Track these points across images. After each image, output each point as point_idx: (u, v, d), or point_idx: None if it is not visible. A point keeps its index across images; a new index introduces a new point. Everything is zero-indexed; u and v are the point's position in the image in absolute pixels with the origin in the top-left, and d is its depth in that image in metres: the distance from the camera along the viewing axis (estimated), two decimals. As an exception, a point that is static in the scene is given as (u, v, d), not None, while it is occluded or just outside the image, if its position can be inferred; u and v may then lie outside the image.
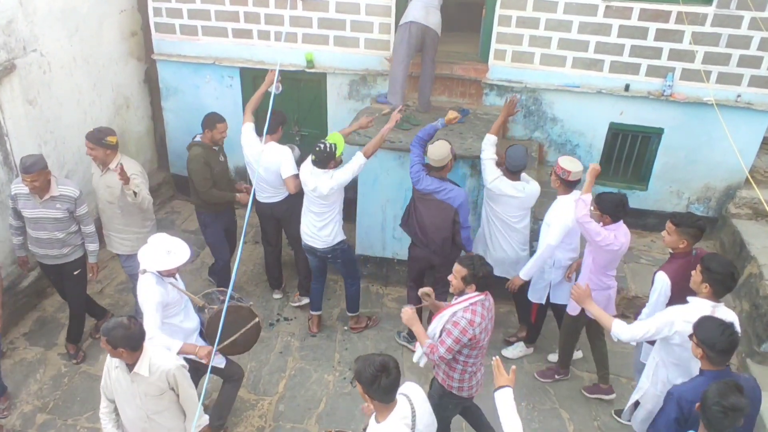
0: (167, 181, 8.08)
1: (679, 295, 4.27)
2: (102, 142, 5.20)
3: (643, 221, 7.21)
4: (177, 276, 4.45)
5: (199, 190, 5.78)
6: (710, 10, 6.10)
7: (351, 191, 7.26)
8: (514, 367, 3.58)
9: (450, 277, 4.01)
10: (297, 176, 5.61)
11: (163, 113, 7.82)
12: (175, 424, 3.82)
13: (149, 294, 4.16)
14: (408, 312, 4.17)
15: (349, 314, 6.08)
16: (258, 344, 5.84)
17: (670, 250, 4.61)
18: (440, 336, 3.99)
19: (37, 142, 6.15)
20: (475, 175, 5.96)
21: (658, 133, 6.80)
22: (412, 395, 3.28)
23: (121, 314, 6.06)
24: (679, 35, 6.28)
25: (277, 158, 5.66)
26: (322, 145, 5.23)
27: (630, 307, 6.10)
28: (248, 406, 5.31)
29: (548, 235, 5.13)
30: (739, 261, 6.47)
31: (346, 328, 6.20)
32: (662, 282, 4.39)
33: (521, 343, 5.96)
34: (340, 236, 5.59)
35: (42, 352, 5.78)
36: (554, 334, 5.76)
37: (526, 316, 5.84)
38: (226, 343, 4.36)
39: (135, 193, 5.18)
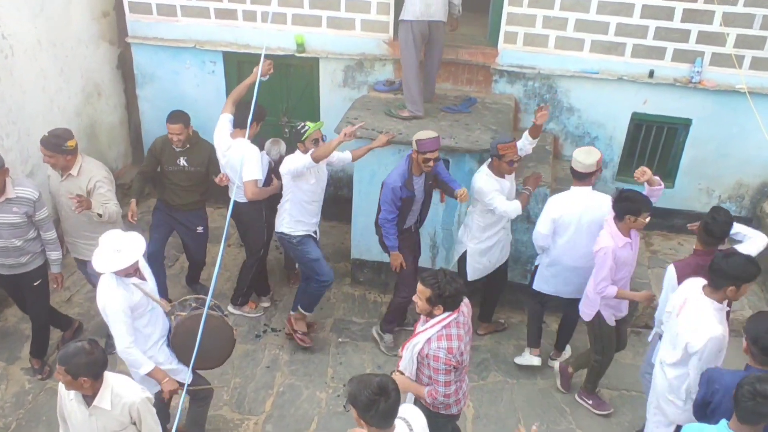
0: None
1: None
2: (61, 149, 5.05)
3: (669, 222, 7.20)
4: (146, 276, 4.39)
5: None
6: (742, -12, 6.12)
7: (346, 189, 7.29)
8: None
9: (414, 298, 3.89)
10: (257, 182, 5.63)
11: (138, 102, 7.80)
12: None
13: (111, 299, 4.08)
14: (399, 377, 3.95)
15: (291, 311, 6.03)
16: (243, 358, 5.90)
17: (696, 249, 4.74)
18: (425, 373, 3.90)
19: (-1, 133, 6.14)
20: (484, 170, 5.95)
21: (686, 124, 6.79)
22: (412, 420, 3.24)
23: (91, 324, 6.15)
24: (708, 16, 6.27)
25: (241, 157, 5.45)
26: (299, 125, 5.42)
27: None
28: (232, 427, 5.30)
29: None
30: (776, 266, 6.47)
31: (340, 340, 6.19)
32: (669, 275, 4.63)
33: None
34: (285, 227, 5.62)
35: (3, 366, 5.75)
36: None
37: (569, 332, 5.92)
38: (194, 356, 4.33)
39: (99, 215, 5.14)
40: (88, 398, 3.49)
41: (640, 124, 6.92)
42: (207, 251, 6.52)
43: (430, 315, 3.84)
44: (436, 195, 5.93)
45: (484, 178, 5.41)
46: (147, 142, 7.94)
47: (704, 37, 6.37)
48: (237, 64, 7.32)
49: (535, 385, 5.78)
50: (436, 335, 3.78)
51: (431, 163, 5.27)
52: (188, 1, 7.16)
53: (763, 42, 6.30)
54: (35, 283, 5.36)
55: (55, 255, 5.33)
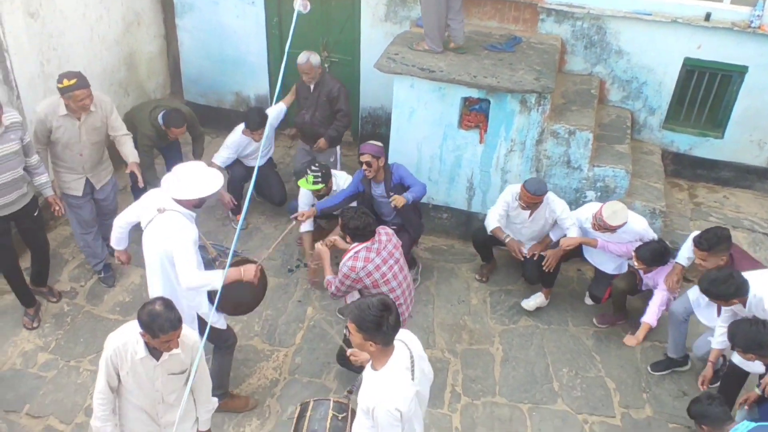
0: (187, 106, 8.11)
1: None
2: (89, 85, 5.16)
3: (716, 174, 7.04)
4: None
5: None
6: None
7: (383, 127, 7.26)
8: None
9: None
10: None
11: (178, 32, 7.79)
12: (187, 406, 3.79)
13: (184, 231, 4.09)
14: (320, 247, 4.98)
15: None
16: (275, 291, 6.02)
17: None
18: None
19: (39, 59, 6.19)
20: (524, 111, 5.84)
21: (741, 71, 6.55)
22: (409, 341, 3.31)
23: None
24: (774, -46, 5.97)
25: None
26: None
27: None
28: (262, 357, 5.44)
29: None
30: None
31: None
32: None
33: (540, 295, 6.00)
34: None
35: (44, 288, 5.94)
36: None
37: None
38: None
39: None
40: (156, 352, 3.50)
41: (692, 70, 6.69)
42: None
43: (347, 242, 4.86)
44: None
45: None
46: (186, 73, 8.03)
47: (768, -22, 6.09)
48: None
49: (567, 331, 5.79)
50: (349, 257, 4.68)
51: (364, 167, 5.62)
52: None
53: (832, -15, 5.99)
54: (35, 214, 5.37)
55: (45, 177, 5.29)
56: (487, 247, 6.19)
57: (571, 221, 5.59)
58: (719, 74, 6.66)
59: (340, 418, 3.75)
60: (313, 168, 5.79)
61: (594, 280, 5.91)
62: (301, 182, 5.85)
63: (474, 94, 5.91)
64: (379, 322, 3.01)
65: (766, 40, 6.30)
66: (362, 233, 4.69)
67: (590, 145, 5.95)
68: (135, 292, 6.00)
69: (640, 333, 5.33)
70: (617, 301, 5.68)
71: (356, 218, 4.67)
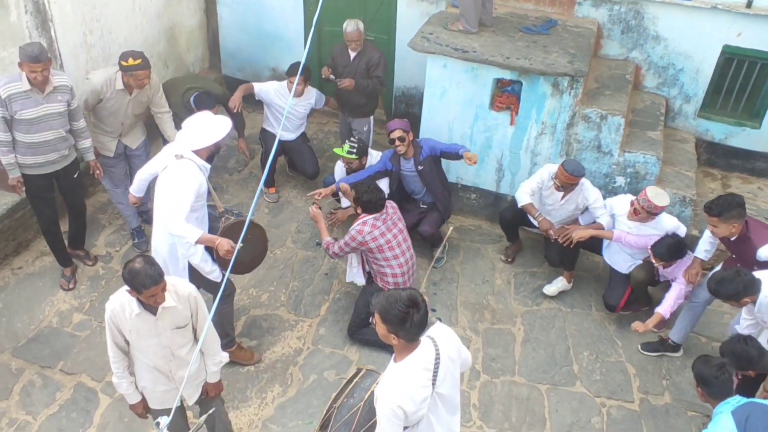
0: (219, 81, 8.21)
1: None
2: (150, 65, 5.43)
3: (752, 164, 6.91)
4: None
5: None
6: None
7: (416, 107, 7.27)
8: None
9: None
10: None
11: (217, 7, 7.87)
12: (196, 358, 3.86)
13: (189, 178, 4.31)
14: (314, 210, 5.35)
15: None
16: (303, 263, 6.14)
17: (730, 238, 4.72)
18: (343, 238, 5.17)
19: (82, 29, 6.32)
20: (556, 94, 5.81)
21: (782, 61, 6.41)
22: (442, 342, 3.16)
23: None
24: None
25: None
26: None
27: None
28: (287, 327, 5.56)
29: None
30: None
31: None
32: None
33: (562, 279, 6.00)
34: None
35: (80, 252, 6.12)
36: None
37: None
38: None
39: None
40: (151, 307, 3.56)
41: (730, 58, 6.55)
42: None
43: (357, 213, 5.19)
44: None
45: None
46: (224, 47, 8.12)
47: (814, -35, 5.93)
48: (315, -29, 7.26)
49: (589, 316, 5.80)
50: (360, 223, 5.08)
51: (397, 143, 5.72)
52: None
53: None
54: (75, 175, 5.55)
55: (89, 143, 5.46)
56: (514, 226, 6.20)
57: (603, 210, 5.58)
58: (759, 63, 6.50)
59: None
60: (351, 139, 6.06)
61: (608, 287, 5.77)
62: (337, 149, 6.07)
63: (506, 75, 5.89)
64: (404, 318, 2.94)
65: (809, 29, 6.16)
66: (373, 206, 5.07)
67: (621, 130, 5.90)
68: (167, 259, 6.13)
69: (651, 321, 5.23)
70: (638, 290, 5.64)
71: (369, 192, 5.07)
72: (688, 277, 5.14)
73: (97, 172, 5.62)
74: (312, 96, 6.73)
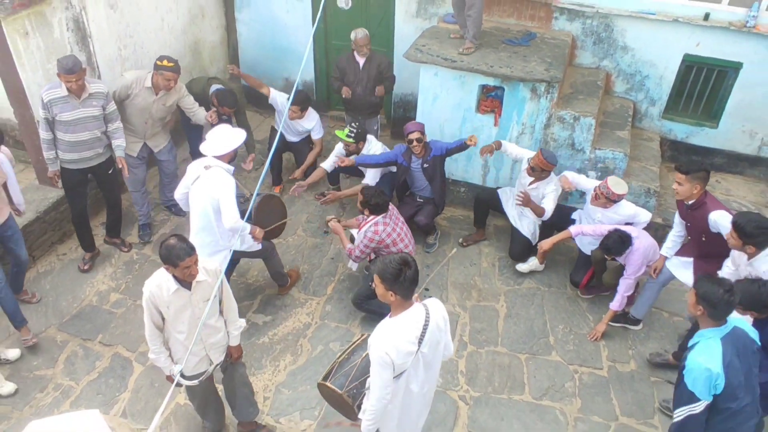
0: (239, 91, 8.29)
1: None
2: (180, 72, 5.57)
3: (710, 160, 6.93)
4: None
5: None
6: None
7: (412, 111, 7.32)
8: None
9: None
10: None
11: (237, 24, 7.95)
12: (222, 325, 4.01)
13: (227, 182, 4.61)
14: (334, 224, 5.43)
15: None
16: (312, 249, 6.22)
17: (688, 202, 4.69)
18: (358, 242, 5.24)
19: (118, 45, 6.42)
20: (535, 99, 5.88)
21: (736, 67, 6.42)
22: (434, 311, 3.27)
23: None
24: (770, -39, 5.84)
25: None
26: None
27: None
28: (298, 304, 5.64)
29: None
30: (808, 207, 6.23)
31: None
32: (725, 216, 4.48)
33: (534, 259, 6.03)
34: None
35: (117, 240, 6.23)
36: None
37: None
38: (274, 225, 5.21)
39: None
40: (186, 283, 3.66)
41: (690, 66, 6.59)
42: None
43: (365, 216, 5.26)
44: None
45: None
46: (243, 60, 8.18)
47: (764, -18, 5.96)
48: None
49: (564, 294, 5.85)
50: (371, 225, 5.16)
51: (414, 144, 5.76)
52: (282, -67, 7.16)
53: (824, -11, 5.84)
54: (110, 171, 5.65)
55: (120, 141, 5.50)
56: (486, 208, 6.21)
57: (550, 202, 5.62)
58: (716, 70, 6.54)
59: None
60: (353, 125, 6.10)
61: (575, 266, 5.88)
62: (338, 132, 6.12)
63: (490, 82, 5.95)
64: (397, 274, 3.06)
65: (760, 39, 6.17)
66: (381, 208, 5.18)
67: (593, 130, 5.96)
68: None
69: (606, 318, 5.34)
70: (598, 268, 5.65)
71: (377, 196, 5.16)
72: (651, 271, 5.15)
73: (120, 166, 5.59)
74: (312, 121, 6.73)
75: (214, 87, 6.31)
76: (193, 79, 6.61)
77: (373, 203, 5.16)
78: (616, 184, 5.23)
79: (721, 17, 6.20)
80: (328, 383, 3.63)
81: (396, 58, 7.30)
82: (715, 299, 3.35)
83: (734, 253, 4.39)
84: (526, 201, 5.61)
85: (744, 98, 6.55)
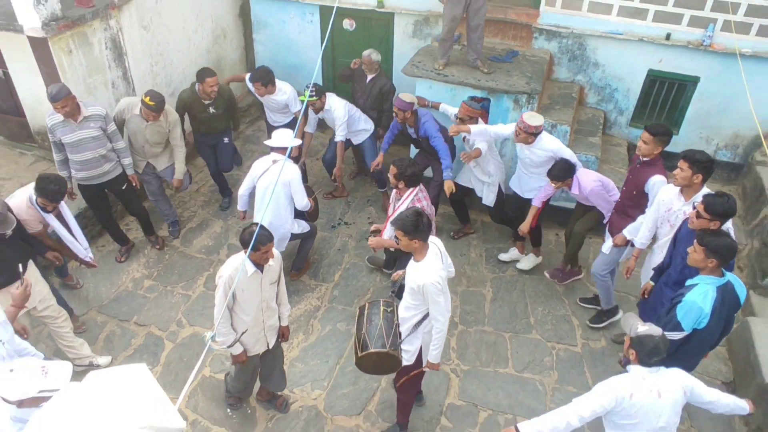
0: (255, 103, 8.30)
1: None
2: (164, 106, 5.31)
3: (671, 163, 6.71)
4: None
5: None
6: (758, -36, 5.65)
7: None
8: None
9: (389, 174, 4.74)
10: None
11: (254, 44, 7.96)
12: (277, 308, 4.03)
13: (296, 171, 4.92)
14: (374, 240, 4.77)
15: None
16: (321, 242, 6.21)
17: (645, 158, 4.58)
18: None
19: (150, 62, 6.44)
20: (517, 108, 5.89)
21: (695, 81, 6.44)
22: (438, 244, 3.68)
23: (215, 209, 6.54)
24: (724, -13, 5.86)
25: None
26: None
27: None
28: (309, 290, 5.66)
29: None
30: (758, 204, 6.25)
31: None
32: (662, 183, 4.47)
33: (514, 249, 6.02)
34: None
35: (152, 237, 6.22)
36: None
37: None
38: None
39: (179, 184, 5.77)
40: (259, 266, 3.67)
41: (654, 80, 6.61)
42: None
43: (399, 189, 4.71)
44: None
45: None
46: (259, 76, 8.15)
47: (718, 6, 5.96)
48: (329, 16, 7.30)
49: (543, 280, 5.86)
50: (412, 201, 4.65)
51: (396, 113, 5.57)
52: (295, -36, 7.16)
53: (771, 12, 5.86)
54: (123, 187, 5.44)
55: (127, 161, 5.35)
56: (461, 205, 6.12)
57: (479, 142, 5.42)
58: (676, 83, 6.56)
59: (389, 311, 3.89)
60: (308, 85, 5.71)
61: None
62: (301, 97, 5.95)
63: (478, 94, 5.95)
64: (416, 224, 3.39)
65: (715, 56, 6.19)
66: (417, 178, 4.66)
67: (568, 136, 5.97)
68: (216, 239, 6.23)
69: (529, 216, 5.33)
70: (574, 243, 5.47)
71: (412, 166, 4.62)
72: (625, 270, 4.71)
73: (134, 184, 5.55)
74: (285, 94, 6.19)
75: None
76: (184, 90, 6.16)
77: (409, 174, 4.60)
78: (531, 117, 4.99)
79: (681, 37, 6.22)
80: (372, 350, 3.70)
81: (395, 73, 7.31)
82: (725, 250, 3.41)
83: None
84: (468, 157, 5.42)
85: (701, 108, 6.56)
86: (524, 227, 5.41)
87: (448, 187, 5.47)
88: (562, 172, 4.99)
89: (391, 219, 4.57)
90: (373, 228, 4.97)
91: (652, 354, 3.07)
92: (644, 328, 3.13)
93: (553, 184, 5.09)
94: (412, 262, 3.60)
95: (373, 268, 5.90)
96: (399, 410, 4.32)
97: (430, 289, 3.43)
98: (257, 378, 4.42)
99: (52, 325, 4.47)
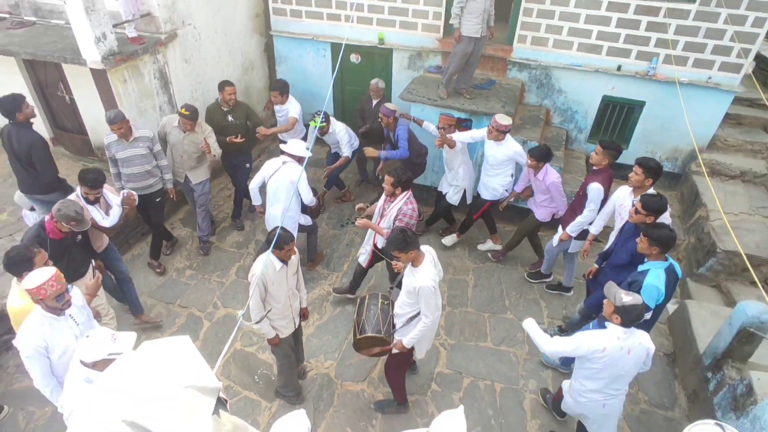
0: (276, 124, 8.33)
1: (605, 197, 4.57)
2: (197, 116, 5.16)
3: (622, 173, 6.87)
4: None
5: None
6: (693, 7, 5.67)
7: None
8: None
9: (384, 185, 4.42)
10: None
11: (277, 74, 7.97)
12: (298, 293, 3.98)
13: (302, 173, 4.62)
14: (361, 222, 4.45)
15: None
16: (332, 238, 6.21)
17: (594, 167, 4.56)
18: (395, 224, 4.38)
19: (191, 90, 6.47)
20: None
21: (641, 105, 6.47)
22: (432, 252, 3.62)
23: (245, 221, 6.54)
24: (665, 27, 5.88)
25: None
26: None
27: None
28: (322, 278, 5.67)
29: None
30: (693, 207, 6.26)
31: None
32: (598, 190, 4.46)
33: (489, 240, 6.06)
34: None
35: (190, 231, 6.25)
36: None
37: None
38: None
39: (215, 156, 5.26)
40: (284, 261, 3.58)
41: (608, 104, 6.63)
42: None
43: (393, 195, 4.41)
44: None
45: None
46: (281, 101, 8.16)
47: (661, 43, 5.99)
48: (339, 51, 7.34)
49: (516, 270, 5.87)
50: (404, 203, 4.38)
51: (381, 119, 5.57)
52: (309, 7, 7.18)
53: (704, 47, 5.88)
54: (157, 200, 5.28)
55: (168, 176, 5.23)
56: (445, 209, 6.03)
57: (457, 135, 5.38)
58: (626, 107, 6.58)
59: (386, 303, 3.87)
60: (317, 112, 5.58)
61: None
62: (312, 123, 5.80)
63: (462, 115, 5.99)
64: (405, 239, 3.33)
65: (658, 84, 6.21)
66: (409, 182, 4.43)
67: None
68: (246, 236, 6.22)
69: (507, 200, 5.47)
70: (518, 236, 5.59)
71: (404, 174, 4.36)
72: (582, 255, 4.73)
73: (171, 196, 5.37)
74: (296, 108, 6.02)
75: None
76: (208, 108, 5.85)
77: (405, 179, 4.35)
78: (502, 118, 5.06)
79: (630, 68, 6.24)
80: (369, 334, 3.66)
81: (393, 98, 7.34)
82: (665, 239, 3.49)
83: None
84: (440, 142, 5.29)
85: (646, 127, 6.59)
86: (502, 206, 5.47)
87: (369, 151, 5.53)
88: (541, 154, 4.92)
89: (381, 249, 4.61)
90: (358, 207, 4.69)
91: (635, 319, 3.10)
92: (629, 298, 3.10)
93: (530, 161, 4.97)
94: (410, 267, 3.52)
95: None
96: (394, 392, 4.22)
97: (425, 291, 3.40)
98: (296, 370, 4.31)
99: (100, 321, 4.42)
